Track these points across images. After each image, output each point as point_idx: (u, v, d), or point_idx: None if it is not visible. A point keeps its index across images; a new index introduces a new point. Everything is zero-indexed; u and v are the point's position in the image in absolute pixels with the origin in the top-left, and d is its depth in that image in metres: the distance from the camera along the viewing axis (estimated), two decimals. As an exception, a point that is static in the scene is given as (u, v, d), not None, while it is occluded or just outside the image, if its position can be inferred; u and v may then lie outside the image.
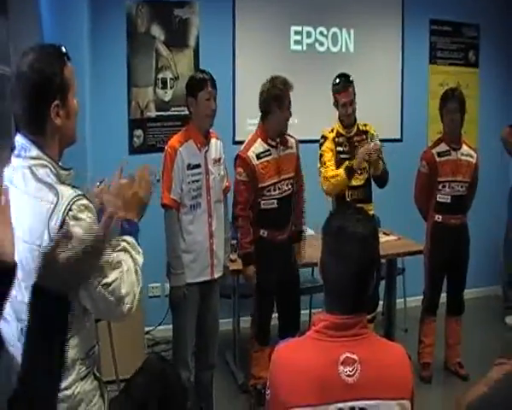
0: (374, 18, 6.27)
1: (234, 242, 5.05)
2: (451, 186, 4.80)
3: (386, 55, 6.38)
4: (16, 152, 1.96)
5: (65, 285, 1.78)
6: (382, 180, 4.74)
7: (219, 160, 4.00)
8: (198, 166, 3.85)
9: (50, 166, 1.95)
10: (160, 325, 5.43)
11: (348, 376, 1.84)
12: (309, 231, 4.73)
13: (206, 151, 3.90)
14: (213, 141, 3.97)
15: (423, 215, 5.01)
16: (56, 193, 1.87)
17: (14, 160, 1.97)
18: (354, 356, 1.86)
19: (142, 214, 2.16)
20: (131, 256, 2.03)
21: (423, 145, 5.03)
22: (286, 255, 4.46)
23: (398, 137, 6.43)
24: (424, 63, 6.60)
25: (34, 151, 1.94)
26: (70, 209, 1.85)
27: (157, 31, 5.57)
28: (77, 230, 1.82)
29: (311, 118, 5.62)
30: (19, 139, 1.97)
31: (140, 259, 2.07)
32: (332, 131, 4.73)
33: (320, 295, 4.19)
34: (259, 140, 4.31)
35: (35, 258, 1.82)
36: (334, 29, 6.15)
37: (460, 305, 5.05)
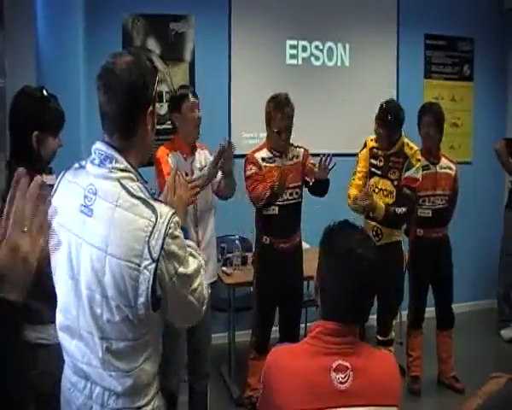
0: (369, 32, 6.32)
1: (230, 255, 5.07)
2: (431, 200, 4.83)
3: (381, 69, 6.43)
4: (97, 161, 1.89)
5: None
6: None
7: (204, 166, 3.97)
8: (185, 175, 3.77)
9: (136, 178, 1.90)
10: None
11: (340, 383, 1.88)
12: (305, 245, 4.71)
13: (192, 162, 3.91)
14: (197, 153, 3.97)
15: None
16: (154, 210, 1.81)
17: (93, 168, 1.90)
18: (347, 364, 1.89)
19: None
20: (197, 259, 2.01)
21: None
22: (289, 265, 4.42)
23: None
24: (419, 77, 6.65)
25: (122, 163, 1.87)
26: (169, 228, 1.81)
27: (153, 44, 5.59)
28: (173, 248, 1.82)
29: (306, 132, 5.60)
30: (101, 147, 1.89)
31: (203, 261, 2.04)
32: (374, 140, 4.61)
33: (315, 309, 4.19)
34: (265, 149, 4.39)
35: (132, 277, 1.80)
36: (330, 43, 6.20)
37: (449, 318, 5.05)
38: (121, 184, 1.85)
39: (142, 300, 1.82)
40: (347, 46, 6.25)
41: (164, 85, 5.61)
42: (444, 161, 4.89)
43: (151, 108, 1.92)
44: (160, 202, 1.90)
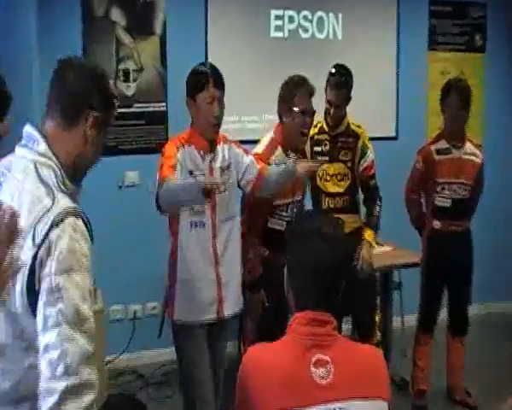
0: (364, 0, 6.31)
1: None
2: (452, 189, 4.77)
3: (378, 41, 6.39)
4: (23, 142, 2.05)
5: None
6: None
7: (228, 166, 3.70)
8: (202, 175, 3.53)
9: (56, 168, 2.01)
10: (123, 352, 5.36)
11: (321, 378, 1.96)
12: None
13: (211, 160, 3.61)
14: (220, 147, 3.69)
15: (412, 219, 5.05)
16: (53, 199, 1.91)
17: (17, 149, 2.07)
18: (326, 358, 1.99)
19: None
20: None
21: (422, 143, 5.03)
22: (281, 280, 4.33)
23: (393, 134, 6.48)
24: (422, 50, 6.60)
25: (42, 146, 2.02)
26: (61, 220, 1.87)
27: (117, 15, 5.51)
28: (61, 242, 1.85)
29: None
30: (28, 130, 2.06)
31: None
32: (316, 126, 4.57)
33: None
34: (280, 148, 4.13)
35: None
36: (320, 13, 6.15)
37: (463, 323, 5.01)
38: (35, 166, 1.99)
39: (17, 287, 1.86)
40: (340, 16, 6.20)
41: (130, 62, 5.56)
42: (469, 146, 4.83)
43: (96, 113, 2.08)
44: (67, 194, 1.98)
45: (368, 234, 4.60)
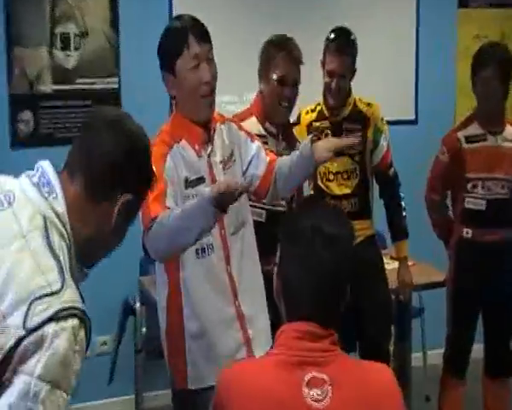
0: None
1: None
2: (487, 186, 4.53)
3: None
4: (35, 178, 1.99)
5: None
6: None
7: (231, 155, 3.31)
8: (201, 179, 3.17)
9: (67, 242, 1.94)
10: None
11: (316, 401, 1.90)
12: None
13: (210, 153, 3.21)
14: (217, 131, 3.28)
15: (435, 225, 4.86)
16: (63, 281, 1.83)
17: (25, 180, 1.99)
18: (323, 375, 1.93)
19: None
20: None
21: (448, 129, 4.77)
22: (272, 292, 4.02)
23: (412, 117, 6.23)
24: (451, 7, 6.23)
25: (61, 207, 1.95)
26: (65, 317, 1.78)
27: (53, -37, 5.16)
28: (56, 343, 1.76)
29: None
30: (47, 170, 1.99)
31: None
32: (314, 110, 4.48)
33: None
34: (254, 119, 4.03)
35: None
36: (315, -42, 5.78)
37: (505, 361, 4.70)
38: (45, 225, 1.90)
39: None
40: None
41: (71, 25, 5.20)
42: (510, 131, 4.59)
43: (128, 196, 2.01)
44: (74, 286, 1.88)
45: (402, 248, 4.64)
